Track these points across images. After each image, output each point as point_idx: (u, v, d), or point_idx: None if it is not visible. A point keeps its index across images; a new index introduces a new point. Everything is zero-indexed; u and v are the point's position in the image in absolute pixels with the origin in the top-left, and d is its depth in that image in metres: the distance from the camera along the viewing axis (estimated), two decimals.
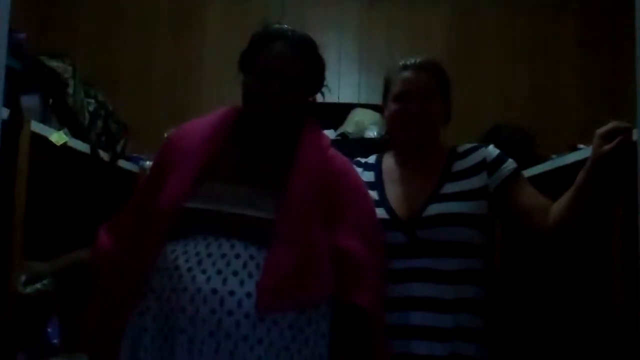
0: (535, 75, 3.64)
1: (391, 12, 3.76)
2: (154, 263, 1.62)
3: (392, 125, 2.05)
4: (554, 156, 2.41)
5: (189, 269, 1.56)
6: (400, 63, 2.04)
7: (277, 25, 1.84)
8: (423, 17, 3.75)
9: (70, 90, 2.31)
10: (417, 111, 1.96)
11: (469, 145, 2.04)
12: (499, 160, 1.96)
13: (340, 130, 3.27)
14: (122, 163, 2.58)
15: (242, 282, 1.54)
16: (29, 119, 1.81)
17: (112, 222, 1.81)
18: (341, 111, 3.34)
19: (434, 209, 1.90)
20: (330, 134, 3.34)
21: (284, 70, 1.74)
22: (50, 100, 2.09)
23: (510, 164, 1.96)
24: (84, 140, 2.31)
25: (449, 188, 1.94)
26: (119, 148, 2.61)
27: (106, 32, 3.74)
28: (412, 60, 2.03)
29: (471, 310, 1.89)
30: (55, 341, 1.95)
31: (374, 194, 1.96)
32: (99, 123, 2.47)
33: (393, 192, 1.99)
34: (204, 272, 1.55)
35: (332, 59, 3.70)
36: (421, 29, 3.73)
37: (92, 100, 2.46)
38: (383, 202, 1.96)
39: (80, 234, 1.95)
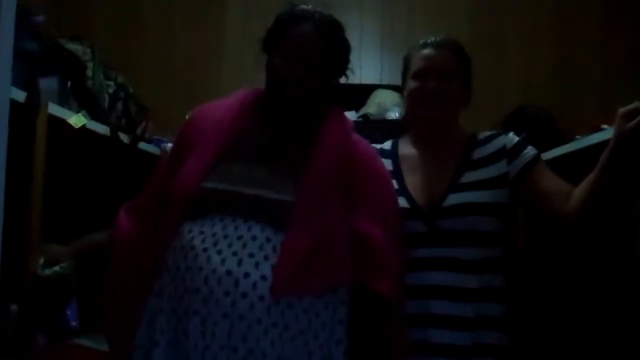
0: (557, 55, 3.56)
1: None
2: (171, 243, 1.61)
3: (410, 103, 2.01)
4: (577, 137, 2.35)
5: (205, 249, 1.55)
6: (421, 41, 2.01)
7: (303, 6, 1.81)
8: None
9: (90, 72, 2.31)
10: (436, 89, 1.92)
11: (488, 133, 2.01)
12: (519, 147, 1.92)
13: (362, 111, 3.25)
14: (143, 145, 2.57)
15: (257, 265, 1.53)
16: (47, 102, 1.80)
17: (133, 203, 1.82)
18: (363, 92, 3.31)
19: (454, 198, 1.88)
20: (351, 115, 3.32)
21: (310, 52, 1.72)
22: (69, 83, 2.08)
23: (530, 150, 1.92)
24: (103, 122, 2.30)
25: (469, 177, 1.91)
26: (139, 130, 2.60)
27: (127, 16, 3.73)
28: (433, 39, 1.99)
29: (493, 299, 1.87)
30: (74, 323, 1.95)
31: (393, 183, 1.92)
32: (119, 105, 2.47)
33: (412, 180, 1.96)
34: (219, 252, 1.54)
35: (354, 39, 3.59)
36: (443, 8, 3.67)
37: (112, 83, 2.46)
38: (403, 191, 1.93)
39: (100, 216, 1.96)
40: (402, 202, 1.89)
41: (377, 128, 2.92)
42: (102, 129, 2.26)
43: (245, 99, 1.83)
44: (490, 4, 3.66)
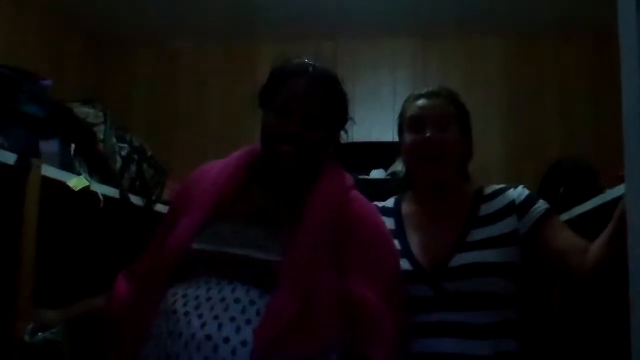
0: (599, 106, 3.41)
1: (446, 45, 3.65)
2: (158, 307, 1.56)
3: (408, 160, 1.92)
4: (607, 190, 2.20)
5: (186, 314, 1.48)
6: (414, 93, 1.93)
7: (298, 60, 1.76)
8: (479, 49, 3.62)
9: (101, 135, 2.30)
10: (433, 138, 1.82)
11: (496, 187, 1.90)
12: (529, 202, 1.80)
13: (392, 169, 3.16)
14: (160, 208, 2.53)
15: (238, 329, 1.44)
16: (40, 164, 1.78)
17: (131, 267, 1.77)
18: (394, 150, 3.23)
19: (461, 259, 1.76)
20: (380, 173, 3.24)
21: (305, 109, 1.67)
22: (73, 146, 2.06)
23: (541, 204, 1.80)
24: (115, 185, 2.28)
25: (476, 235, 1.79)
26: (157, 193, 2.57)
27: (162, 85, 3.80)
28: (426, 90, 1.91)
29: None
30: None
31: (395, 244, 1.82)
32: (133, 168, 2.45)
33: (416, 240, 1.85)
34: (200, 317, 1.47)
35: (387, 97, 3.63)
36: (477, 61, 3.60)
37: (126, 145, 2.44)
38: (406, 252, 1.82)
39: (105, 281, 1.90)
40: (405, 264, 1.78)
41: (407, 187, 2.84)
42: (111, 192, 2.23)
43: (241, 158, 1.78)
44: (527, 55, 3.57)
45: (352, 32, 3.67)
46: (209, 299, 1.49)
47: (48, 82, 2.07)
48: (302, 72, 1.71)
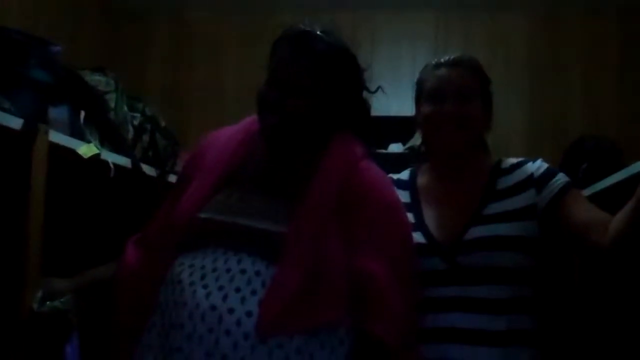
0: (623, 82, 3.32)
1: (468, 22, 3.56)
2: (165, 276, 1.53)
3: (425, 130, 1.84)
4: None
5: (191, 283, 1.45)
6: (433, 61, 1.85)
7: (292, 26, 1.66)
8: (502, 27, 3.53)
9: (112, 104, 2.26)
10: (454, 111, 1.74)
11: (514, 160, 1.83)
12: (548, 175, 1.74)
13: (410, 143, 3.11)
14: (173, 178, 2.50)
15: (243, 300, 1.41)
16: (47, 130, 1.74)
17: (140, 235, 1.74)
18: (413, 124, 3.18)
19: (476, 231, 1.70)
20: (398, 147, 3.19)
21: (285, 75, 1.60)
22: (83, 113, 2.03)
23: (561, 177, 1.74)
24: (126, 154, 2.25)
25: (493, 208, 1.73)
26: (170, 163, 2.54)
27: (178, 54, 3.75)
28: (447, 57, 1.83)
29: (522, 343, 1.68)
30: None
31: (409, 217, 1.76)
32: (145, 138, 2.41)
33: (431, 213, 1.79)
34: (205, 287, 1.43)
35: (406, 71, 3.55)
36: (500, 39, 3.52)
37: (138, 115, 2.40)
38: (420, 225, 1.77)
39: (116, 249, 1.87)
40: (419, 237, 1.73)
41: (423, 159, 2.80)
42: (123, 160, 2.20)
43: (252, 124, 1.72)
44: (551, 33, 3.48)
45: (371, 3, 3.59)
46: (214, 269, 1.46)
47: (58, 48, 2.03)
48: (288, 38, 1.64)
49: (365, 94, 1.74)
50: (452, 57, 1.83)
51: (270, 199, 1.56)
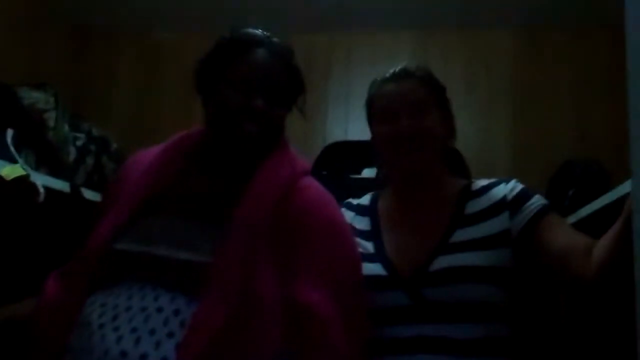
0: (614, 104, 3.12)
1: (447, 42, 3.37)
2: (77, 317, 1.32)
3: (382, 150, 1.65)
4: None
5: (101, 326, 1.25)
6: (379, 78, 1.68)
7: (250, 30, 1.53)
8: (484, 43, 3.34)
9: (52, 123, 2.07)
10: (409, 129, 1.56)
11: (485, 181, 1.64)
12: (522, 197, 1.55)
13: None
14: None
15: (158, 344, 1.20)
16: None
17: (64, 266, 1.52)
18: None
19: (443, 261, 1.50)
20: (372, 172, 3.00)
21: (269, 82, 1.45)
22: (11, 131, 1.83)
23: (537, 200, 1.55)
24: (65, 178, 2.04)
25: (461, 235, 1.53)
26: None
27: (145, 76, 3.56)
28: (393, 70, 1.66)
29: None
30: None
31: (368, 246, 1.58)
32: (89, 160, 2.21)
33: (392, 241, 1.59)
34: (116, 329, 1.23)
35: None
36: (482, 55, 3.32)
37: (83, 135, 2.20)
38: (380, 254, 1.57)
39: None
40: (378, 268, 1.53)
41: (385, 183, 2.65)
42: (60, 185, 1.99)
43: (180, 142, 1.55)
44: (536, 52, 3.29)
45: (346, 25, 3.42)
46: (128, 309, 1.25)
47: None
48: (260, 43, 1.49)
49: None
50: (398, 68, 1.66)
51: (197, 225, 1.36)
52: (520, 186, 1.58)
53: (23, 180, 1.79)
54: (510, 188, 1.58)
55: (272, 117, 1.46)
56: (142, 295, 1.27)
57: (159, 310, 1.24)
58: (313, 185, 1.46)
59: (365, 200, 1.73)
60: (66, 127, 2.12)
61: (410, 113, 1.58)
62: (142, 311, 1.24)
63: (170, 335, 1.21)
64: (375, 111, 1.66)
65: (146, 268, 1.30)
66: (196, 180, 1.47)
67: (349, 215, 1.68)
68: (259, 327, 1.23)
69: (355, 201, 1.73)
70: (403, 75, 1.64)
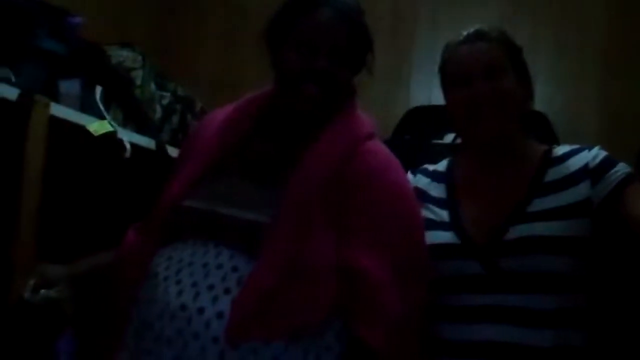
0: None
1: (537, 3, 3.25)
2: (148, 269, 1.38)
3: (457, 117, 1.59)
4: None
5: (165, 279, 1.31)
6: (453, 41, 1.62)
7: None
8: (574, 8, 3.20)
9: (138, 81, 2.12)
10: (485, 92, 1.51)
11: (567, 147, 1.58)
12: (606, 165, 1.49)
13: None
14: None
15: (215, 299, 1.24)
16: (47, 102, 1.60)
17: (142, 221, 1.58)
18: None
19: (519, 231, 1.46)
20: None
21: (332, 42, 1.42)
22: (100, 88, 1.89)
23: (621, 168, 1.48)
24: (151, 135, 2.10)
25: (539, 204, 1.49)
26: None
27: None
28: (466, 33, 1.59)
29: None
30: (66, 356, 1.72)
31: (443, 214, 1.56)
32: (175, 118, 2.26)
33: (468, 209, 1.56)
34: (178, 282, 1.28)
35: None
36: (571, 21, 3.19)
37: (168, 94, 2.25)
38: (455, 223, 1.54)
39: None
40: (451, 236, 1.51)
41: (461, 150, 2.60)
42: (146, 141, 2.06)
43: (249, 103, 1.56)
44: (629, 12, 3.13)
45: None
46: (190, 264, 1.30)
47: (78, 20, 1.90)
48: (325, 1, 1.46)
49: None
50: (471, 30, 1.59)
51: (258, 186, 1.38)
52: (603, 153, 1.53)
53: (110, 136, 1.86)
54: (593, 155, 1.52)
55: (336, 78, 1.43)
56: (205, 252, 1.30)
57: (219, 266, 1.27)
58: (377, 150, 1.44)
59: (441, 166, 1.70)
60: (153, 86, 2.17)
61: (485, 75, 1.52)
62: (203, 267, 1.28)
63: (227, 291, 1.24)
64: (448, 75, 1.61)
65: (210, 226, 1.33)
66: (261, 142, 1.48)
67: (424, 182, 1.65)
68: (309, 289, 1.24)
69: (431, 167, 1.70)
70: (476, 36, 1.57)
